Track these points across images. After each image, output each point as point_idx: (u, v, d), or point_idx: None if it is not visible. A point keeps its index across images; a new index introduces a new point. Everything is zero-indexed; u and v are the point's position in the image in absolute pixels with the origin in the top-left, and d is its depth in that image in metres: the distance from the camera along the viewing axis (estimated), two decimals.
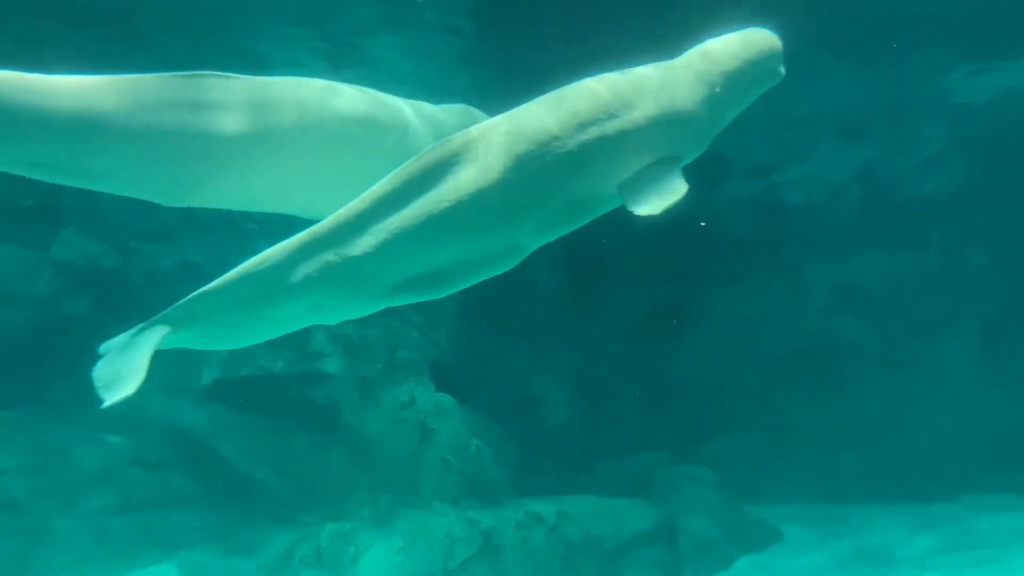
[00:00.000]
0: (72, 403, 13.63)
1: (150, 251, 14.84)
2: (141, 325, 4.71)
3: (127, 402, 4.36)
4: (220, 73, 4.85)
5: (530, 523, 10.53)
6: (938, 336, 14.32)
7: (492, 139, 4.45)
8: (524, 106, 4.56)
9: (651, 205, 4.42)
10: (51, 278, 14.66)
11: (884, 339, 14.30)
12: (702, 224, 14.08)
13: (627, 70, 4.59)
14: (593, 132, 4.40)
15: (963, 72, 13.00)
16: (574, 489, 11.86)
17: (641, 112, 4.45)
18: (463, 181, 4.41)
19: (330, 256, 4.58)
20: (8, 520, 11.57)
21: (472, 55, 12.00)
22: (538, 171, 4.39)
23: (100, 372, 4.54)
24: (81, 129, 4.66)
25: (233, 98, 4.85)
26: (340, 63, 11.81)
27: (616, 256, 14.52)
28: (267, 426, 12.81)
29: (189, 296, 4.75)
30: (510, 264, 4.75)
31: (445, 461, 11.64)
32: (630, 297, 14.56)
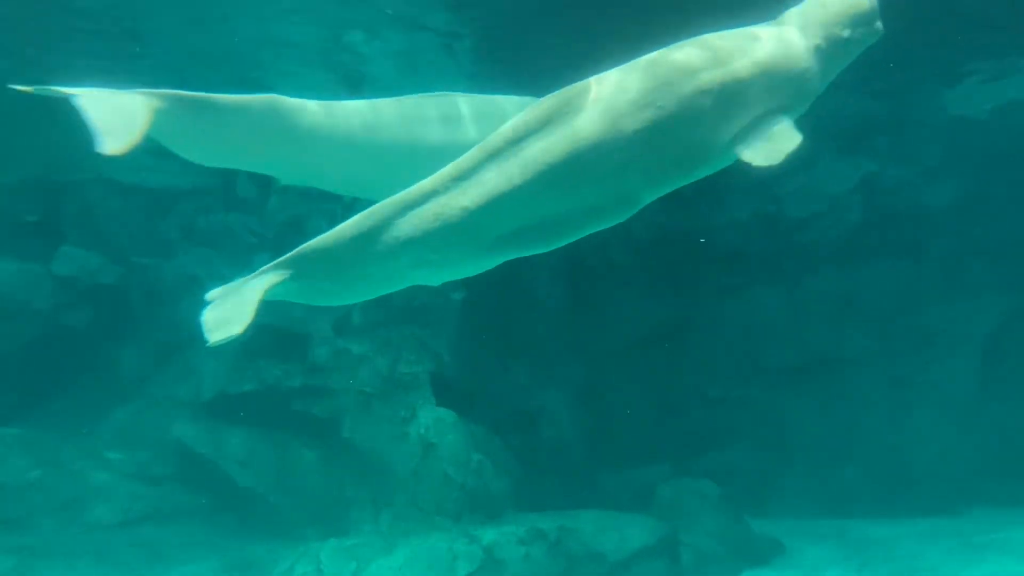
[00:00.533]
0: (72, 418, 13.62)
1: (150, 265, 14.86)
2: (251, 274, 4.85)
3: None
4: (455, 93, 5.91)
5: (532, 538, 10.48)
6: (940, 348, 14.30)
7: (606, 89, 4.52)
8: (637, 60, 4.65)
9: (767, 155, 4.49)
10: (52, 292, 14.66)
11: (886, 351, 14.28)
12: (701, 240, 14.12)
13: (736, 29, 4.74)
14: (705, 81, 4.47)
15: (962, 85, 13.03)
16: (576, 503, 11.81)
17: (750, 63, 4.54)
18: (577, 130, 4.47)
19: (438, 207, 4.64)
20: (7, 536, 11.53)
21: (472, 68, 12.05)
22: (651, 120, 4.44)
23: (208, 315, 4.67)
24: (364, 144, 5.66)
25: (472, 112, 5.79)
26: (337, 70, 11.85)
27: (618, 269, 14.51)
28: (268, 441, 12.78)
29: (300, 247, 4.84)
30: (622, 216, 4.82)
31: (446, 476, 11.59)
32: (632, 310, 14.54)
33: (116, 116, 5.15)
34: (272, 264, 4.86)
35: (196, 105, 5.60)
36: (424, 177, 4.77)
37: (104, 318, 14.75)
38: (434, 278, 5.03)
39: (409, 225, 4.67)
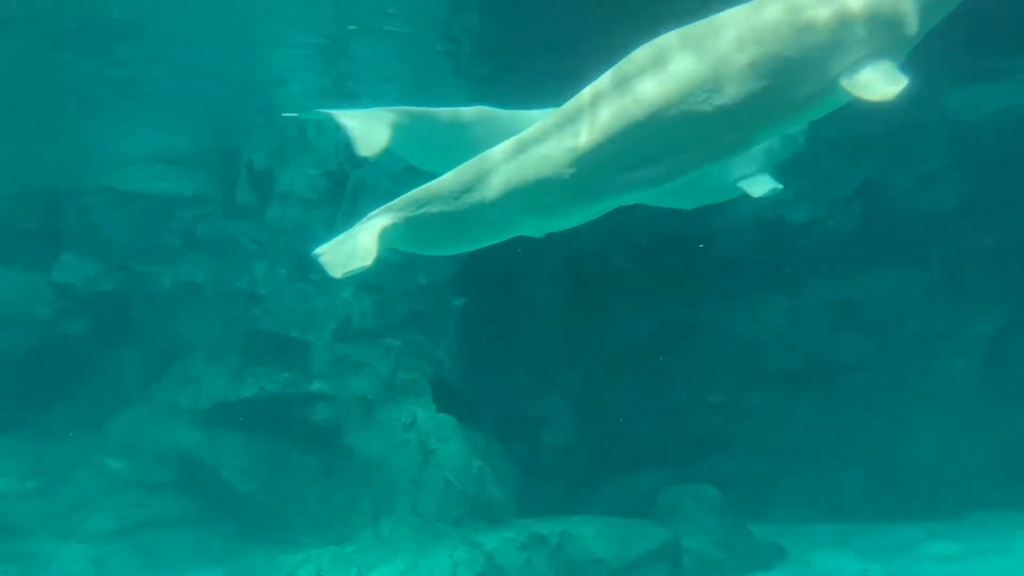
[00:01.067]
0: (72, 426, 13.61)
1: (150, 273, 14.85)
2: (360, 221, 4.99)
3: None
4: None
5: (533, 544, 10.46)
6: (941, 353, 14.28)
7: (718, 31, 4.56)
8: (744, 5, 4.71)
9: (878, 91, 4.53)
10: (52, 300, 14.67)
11: (887, 356, 14.26)
12: (701, 246, 14.11)
13: None
14: (816, 15, 4.51)
15: (964, 89, 13.02)
16: (577, 509, 11.79)
17: (857, 5, 4.57)
18: (688, 68, 4.50)
19: (549, 149, 4.69)
20: (8, 543, 11.52)
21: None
22: (760, 56, 4.48)
23: (327, 256, 4.86)
24: None
25: None
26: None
27: (618, 275, 14.51)
28: (268, 448, 12.78)
29: (413, 191, 4.94)
30: (734, 154, 4.91)
31: (447, 482, 11.58)
32: (632, 316, 14.53)
33: (367, 128, 6.51)
34: (383, 208, 4.97)
35: (421, 117, 6.70)
36: None
37: (104, 326, 14.75)
38: (541, 226, 5.05)
39: (520, 167, 4.73)
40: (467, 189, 4.83)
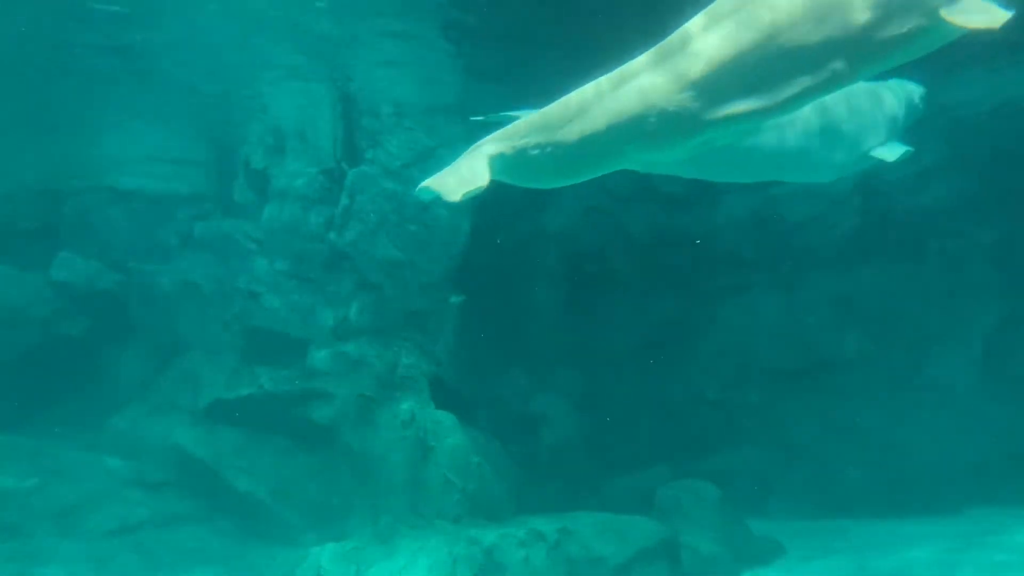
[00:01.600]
0: (71, 425, 13.61)
1: (148, 272, 14.84)
2: (468, 150, 5.03)
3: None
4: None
5: (532, 541, 10.46)
6: (940, 348, 14.29)
7: None
8: None
9: (983, 19, 4.52)
10: (50, 299, 14.66)
11: (885, 352, 14.27)
12: (698, 242, 14.11)
13: None
14: None
15: (962, 84, 13.01)
16: (576, 506, 11.80)
17: None
18: (794, 3, 4.55)
19: (658, 76, 4.69)
20: (7, 543, 11.52)
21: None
22: None
23: (440, 182, 4.84)
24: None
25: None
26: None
27: (616, 272, 14.51)
28: (267, 446, 12.78)
29: (517, 121, 4.97)
30: (839, 86, 4.89)
31: (446, 479, 11.58)
32: (631, 313, 14.53)
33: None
34: (489, 138, 4.99)
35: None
36: None
37: (103, 324, 14.74)
38: (644, 158, 5.08)
39: (626, 96, 4.74)
40: (571, 119, 4.84)
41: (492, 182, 4.85)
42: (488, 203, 13.49)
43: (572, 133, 4.83)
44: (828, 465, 13.99)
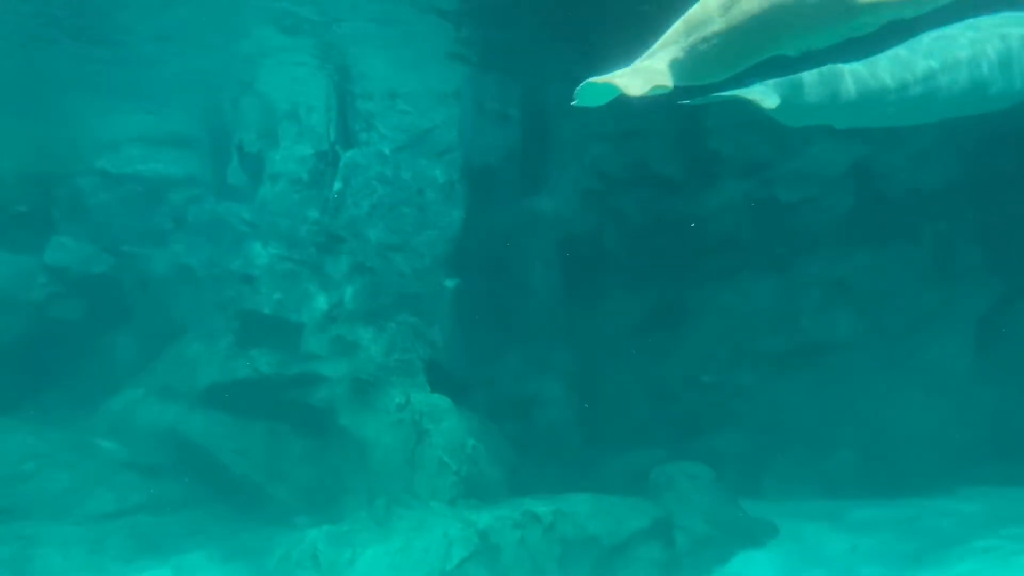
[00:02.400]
0: (66, 409, 13.62)
1: (142, 255, 14.83)
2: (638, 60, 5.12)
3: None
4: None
5: (527, 522, 10.52)
6: (933, 331, 14.32)
7: None
8: None
9: None
10: (44, 283, 14.64)
11: (879, 334, 14.30)
12: (692, 225, 14.10)
13: None
14: None
15: None
16: (571, 488, 11.84)
17: None
18: None
19: None
20: (4, 526, 11.54)
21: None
22: None
23: (623, 79, 4.88)
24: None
25: None
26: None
27: (611, 254, 14.51)
28: (262, 429, 12.80)
29: (673, 26, 5.11)
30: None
31: (441, 462, 11.62)
32: (625, 295, 14.55)
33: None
34: (651, 51, 5.10)
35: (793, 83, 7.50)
36: None
37: (97, 308, 14.74)
38: (800, 43, 5.20)
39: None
40: (726, 9, 4.98)
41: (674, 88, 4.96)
42: (482, 185, 13.52)
43: (730, 25, 4.99)
44: (821, 446, 14.04)
